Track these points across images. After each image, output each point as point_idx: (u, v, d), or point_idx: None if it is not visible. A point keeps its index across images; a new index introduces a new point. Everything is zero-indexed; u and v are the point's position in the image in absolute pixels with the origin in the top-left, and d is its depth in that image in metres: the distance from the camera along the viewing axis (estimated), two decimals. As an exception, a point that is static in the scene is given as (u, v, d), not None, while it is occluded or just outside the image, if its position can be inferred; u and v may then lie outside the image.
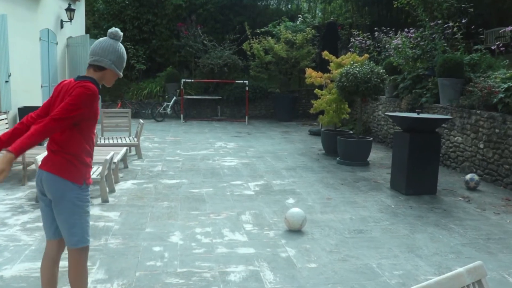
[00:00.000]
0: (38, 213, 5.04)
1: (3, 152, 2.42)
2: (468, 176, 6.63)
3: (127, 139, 8.39)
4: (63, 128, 2.51)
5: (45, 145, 2.87)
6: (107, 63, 2.68)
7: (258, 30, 15.33)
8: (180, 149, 9.45)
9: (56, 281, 2.81)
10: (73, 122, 2.54)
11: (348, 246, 4.34)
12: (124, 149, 7.14)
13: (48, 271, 2.77)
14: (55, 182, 2.60)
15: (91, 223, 4.74)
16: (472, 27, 9.35)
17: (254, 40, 14.83)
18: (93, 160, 6.45)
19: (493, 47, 8.69)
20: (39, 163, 2.56)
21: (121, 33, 2.80)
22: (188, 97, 14.99)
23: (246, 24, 15.46)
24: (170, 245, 4.25)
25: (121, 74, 2.80)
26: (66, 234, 2.66)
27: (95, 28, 16.49)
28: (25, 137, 2.39)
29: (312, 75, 9.46)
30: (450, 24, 9.07)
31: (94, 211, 5.22)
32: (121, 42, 2.80)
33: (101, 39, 2.75)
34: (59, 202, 2.62)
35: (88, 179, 2.72)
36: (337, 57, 9.80)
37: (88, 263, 3.77)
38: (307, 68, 9.94)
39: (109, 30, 2.78)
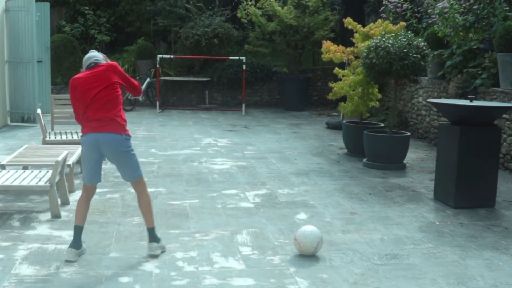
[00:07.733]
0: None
1: None
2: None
3: (85, 134, 8.37)
4: None
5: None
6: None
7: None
8: (156, 148, 9.46)
9: None
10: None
11: (378, 276, 4.34)
12: (80, 148, 7.13)
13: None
14: None
15: (37, 245, 4.79)
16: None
17: (249, 2, 14.75)
18: (40, 163, 6.52)
19: None
20: None
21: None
22: (167, 78, 14.98)
23: None
24: (143, 275, 4.25)
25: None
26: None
27: (42, -13, 16.46)
28: None
29: (331, 50, 9.45)
30: (514, -19, 9.05)
31: (42, 229, 5.22)
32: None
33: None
34: None
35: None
36: (363, 26, 9.79)
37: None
38: (324, 41, 9.93)
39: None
